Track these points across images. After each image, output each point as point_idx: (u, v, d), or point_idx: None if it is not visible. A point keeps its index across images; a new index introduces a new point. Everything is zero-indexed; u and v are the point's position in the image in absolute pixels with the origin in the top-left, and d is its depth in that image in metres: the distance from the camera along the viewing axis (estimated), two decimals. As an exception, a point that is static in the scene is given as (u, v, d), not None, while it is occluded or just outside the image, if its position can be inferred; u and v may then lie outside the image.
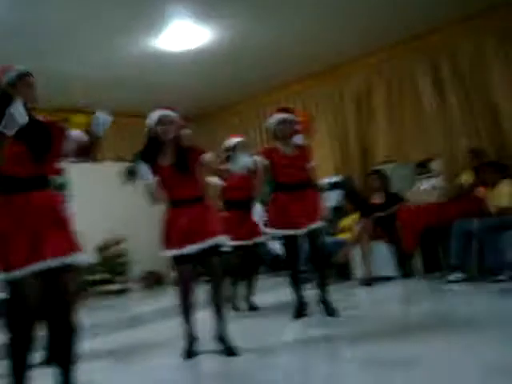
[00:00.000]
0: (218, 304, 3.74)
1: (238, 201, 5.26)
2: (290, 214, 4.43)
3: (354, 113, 7.93)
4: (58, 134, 2.89)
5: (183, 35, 6.31)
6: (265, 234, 5.11)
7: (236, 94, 8.88)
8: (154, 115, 3.77)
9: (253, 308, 5.44)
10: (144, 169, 3.68)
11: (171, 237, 3.68)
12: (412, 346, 3.34)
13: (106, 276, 8.36)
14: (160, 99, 8.22)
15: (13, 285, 2.57)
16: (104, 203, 8.62)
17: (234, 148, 5.34)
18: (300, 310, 4.58)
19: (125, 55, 6.69)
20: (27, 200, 2.65)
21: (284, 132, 4.58)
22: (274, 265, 7.58)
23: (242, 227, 5.15)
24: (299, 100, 8.60)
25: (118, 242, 8.57)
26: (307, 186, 4.57)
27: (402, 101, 7.46)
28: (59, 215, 2.78)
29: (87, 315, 5.52)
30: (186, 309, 3.73)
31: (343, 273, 6.69)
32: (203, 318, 3.81)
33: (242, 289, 5.52)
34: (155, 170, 3.70)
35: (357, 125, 7.90)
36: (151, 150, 3.76)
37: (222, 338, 3.72)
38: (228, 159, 5.12)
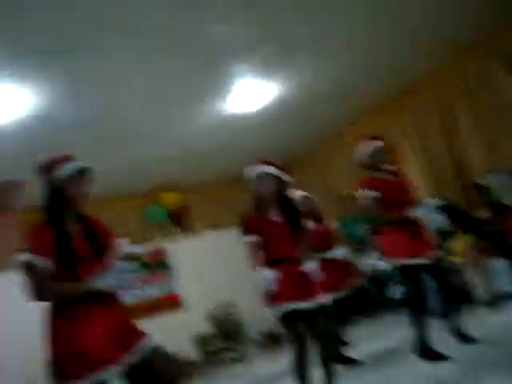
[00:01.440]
0: (327, 363, 3.57)
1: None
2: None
3: (440, 129, 7.59)
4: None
5: (254, 93, 6.37)
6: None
7: (311, 141, 8.84)
8: (254, 172, 3.72)
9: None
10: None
11: (280, 293, 3.49)
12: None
13: (223, 344, 8.34)
14: (239, 161, 8.37)
15: None
16: (209, 273, 8.76)
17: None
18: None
19: (201, 125, 6.83)
20: None
21: (382, 160, 4.46)
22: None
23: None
24: (377, 130, 8.38)
25: (229, 309, 8.57)
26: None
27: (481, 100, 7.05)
28: None
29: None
30: (301, 370, 3.50)
31: (463, 296, 6.28)
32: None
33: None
34: (261, 225, 3.62)
35: (447, 141, 7.53)
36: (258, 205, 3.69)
37: None
38: None
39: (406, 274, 4.27)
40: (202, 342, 8.32)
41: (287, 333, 3.56)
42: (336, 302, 5.11)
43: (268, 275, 3.46)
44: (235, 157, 8.31)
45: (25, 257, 2.62)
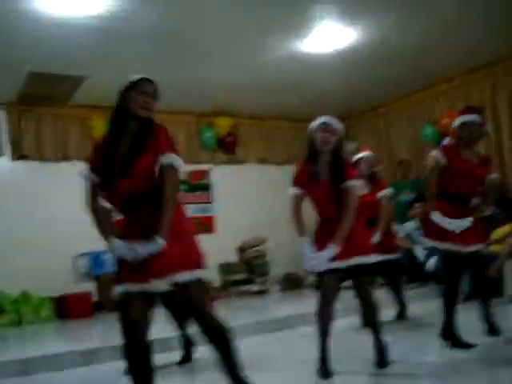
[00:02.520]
0: (373, 321, 3.67)
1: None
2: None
3: (510, 116, 7.33)
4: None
5: (330, 36, 6.19)
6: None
7: (381, 95, 8.60)
8: (317, 121, 3.64)
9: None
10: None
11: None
12: None
13: (247, 276, 8.49)
14: (305, 102, 8.29)
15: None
16: (247, 204, 8.80)
17: (356, 162, 5.27)
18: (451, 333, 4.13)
19: (271, 59, 6.70)
20: None
21: (472, 136, 4.10)
22: (417, 274, 7.27)
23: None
24: (446, 101, 8.14)
25: (259, 243, 8.67)
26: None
27: None
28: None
29: (228, 317, 5.62)
30: (325, 329, 3.54)
31: (495, 288, 6.21)
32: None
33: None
34: (309, 182, 3.62)
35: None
36: (311, 156, 3.66)
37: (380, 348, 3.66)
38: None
39: (448, 260, 4.14)
40: (228, 269, 8.47)
41: (321, 286, 3.58)
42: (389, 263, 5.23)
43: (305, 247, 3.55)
44: (299, 97, 8.19)
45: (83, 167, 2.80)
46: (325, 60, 6.82)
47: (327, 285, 3.54)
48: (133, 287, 2.62)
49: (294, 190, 3.68)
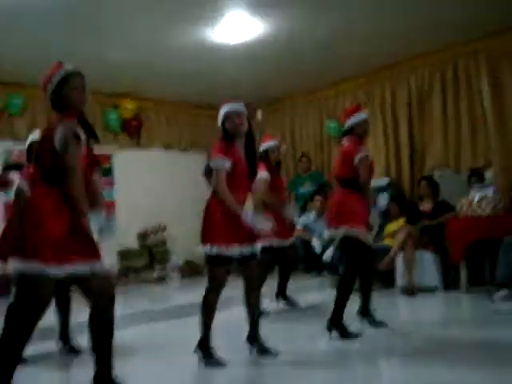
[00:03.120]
0: (253, 306, 3.71)
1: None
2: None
3: (407, 113, 7.68)
4: None
5: (239, 27, 6.18)
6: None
7: (291, 87, 8.73)
8: (223, 110, 3.66)
9: (291, 303, 5.58)
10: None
11: (219, 234, 3.50)
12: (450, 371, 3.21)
13: (146, 263, 8.41)
14: (210, 90, 8.27)
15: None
16: (149, 191, 8.67)
17: (266, 152, 5.32)
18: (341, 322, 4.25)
19: (179, 44, 6.60)
20: None
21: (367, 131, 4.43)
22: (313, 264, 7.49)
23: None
24: (349, 98, 8.40)
25: (159, 230, 8.60)
26: None
27: (457, 105, 7.16)
28: None
29: (124, 304, 5.57)
30: (210, 316, 3.61)
31: (387, 280, 6.51)
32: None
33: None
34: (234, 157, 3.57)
35: (409, 126, 7.64)
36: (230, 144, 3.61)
37: (255, 338, 3.71)
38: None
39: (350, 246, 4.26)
40: (127, 256, 8.35)
41: (212, 273, 3.61)
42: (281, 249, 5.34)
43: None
44: (205, 85, 8.16)
45: None
46: (233, 50, 6.80)
47: (220, 273, 3.56)
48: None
49: (225, 163, 3.52)
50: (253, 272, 3.69)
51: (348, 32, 6.51)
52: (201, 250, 3.58)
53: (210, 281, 3.60)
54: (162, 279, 8.29)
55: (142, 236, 8.58)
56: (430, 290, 6.12)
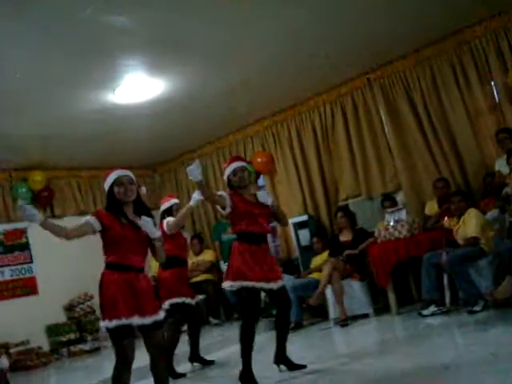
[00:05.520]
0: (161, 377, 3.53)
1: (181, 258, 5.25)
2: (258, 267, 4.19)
3: (315, 149, 7.91)
4: None
5: (138, 87, 6.26)
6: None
7: (195, 139, 8.87)
8: (112, 176, 3.56)
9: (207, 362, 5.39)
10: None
11: (118, 304, 3.31)
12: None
13: (76, 335, 8.12)
14: (120, 151, 8.26)
15: None
16: (69, 260, 8.40)
17: (169, 210, 5.29)
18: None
19: (82, 110, 6.59)
20: None
21: (242, 181, 4.36)
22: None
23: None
24: (258, 140, 8.58)
25: (85, 299, 8.36)
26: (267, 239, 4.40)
27: (361, 135, 7.46)
28: None
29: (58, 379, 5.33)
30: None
31: (319, 313, 6.60)
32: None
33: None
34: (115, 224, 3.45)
35: (319, 162, 7.86)
36: (118, 209, 3.52)
37: None
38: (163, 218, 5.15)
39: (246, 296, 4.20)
40: (56, 331, 8.04)
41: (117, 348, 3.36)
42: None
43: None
44: (112, 146, 8.14)
45: None
46: (136, 110, 6.87)
47: (128, 348, 3.32)
48: None
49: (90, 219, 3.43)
50: (157, 341, 3.47)
51: (245, 83, 6.73)
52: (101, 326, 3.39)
53: (118, 355, 3.36)
54: (95, 350, 8.00)
55: (69, 308, 8.30)
56: (363, 317, 6.24)
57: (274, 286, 4.22)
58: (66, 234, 3.45)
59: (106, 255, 3.51)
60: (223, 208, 4.28)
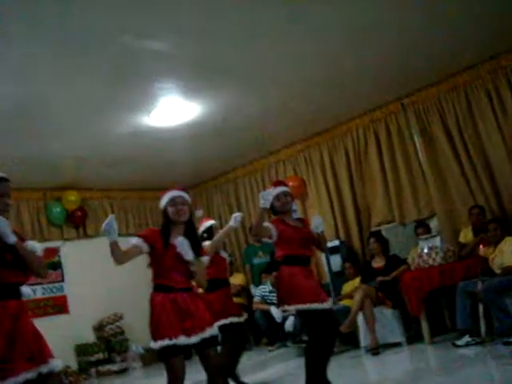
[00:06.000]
0: None
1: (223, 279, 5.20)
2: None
3: (347, 174, 7.87)
4: None
5: (174, 111, 6.33)
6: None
7: (229, 162, 8.91)
8: (167, 195, 3.63)
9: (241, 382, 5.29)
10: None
11: (163, 325, 3.33)
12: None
13: (106, 355, 8.13)
14: (153, 173, 8.35)
15: None
16: (100, 280, 8.47)
17: (209, 230, 5.26)
18: None
19: (118, 133, 6.70)
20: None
21: (285, 206, 4.41)
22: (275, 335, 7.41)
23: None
24: (290, 164, 8.58)
25: (115, 319, 8.38)
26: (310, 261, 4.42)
27: (394, 160, 7.41)
28: None
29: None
30: None
31: (350, 341, 6.49)
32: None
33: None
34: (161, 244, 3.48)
35: (352, 186, 7.81)
36: (165, 230, 3.56)
37: None
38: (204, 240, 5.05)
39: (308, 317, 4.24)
40: (85, 350, 8.06)
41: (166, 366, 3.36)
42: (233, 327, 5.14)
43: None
44: (148, 168, 8.23)
45: None
46: (171, 133, 6.94)
47: (176, 366, 3.33)
48: None
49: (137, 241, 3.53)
50: (212, 361, 3.48)
51: (280, 107, 6.77)
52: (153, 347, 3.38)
53: (170, 374, 3.37)
54: (123, 371, 8.00)
55: (98, 328, 8.33)
56: (395, 346, 6.12)
57: (326, 305, 4.21)
58: (122, 260, 3.52)
59: (153, 275, 3.55)
60: (269, 237, 4.30)
